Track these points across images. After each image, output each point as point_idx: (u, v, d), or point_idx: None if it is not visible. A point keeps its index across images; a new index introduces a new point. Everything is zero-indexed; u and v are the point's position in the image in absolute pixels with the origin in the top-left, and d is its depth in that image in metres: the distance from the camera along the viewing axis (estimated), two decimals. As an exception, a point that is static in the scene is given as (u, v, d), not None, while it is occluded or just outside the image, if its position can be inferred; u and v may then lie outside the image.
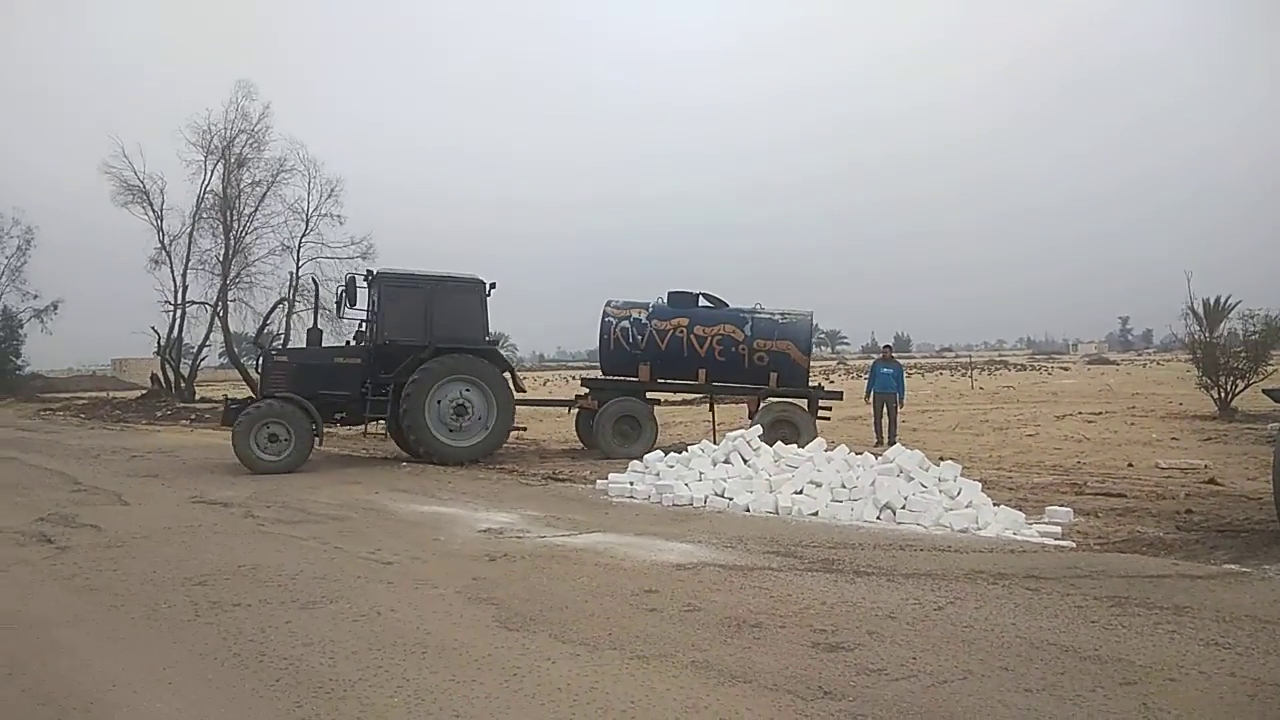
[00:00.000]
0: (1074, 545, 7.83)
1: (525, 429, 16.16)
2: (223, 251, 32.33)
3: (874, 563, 6.99)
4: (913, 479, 9.42)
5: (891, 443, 14.82)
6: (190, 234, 32.69)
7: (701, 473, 10.55)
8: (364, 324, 15.26)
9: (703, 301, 16.06)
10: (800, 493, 9.62)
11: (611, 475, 11.30)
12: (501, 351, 15.62)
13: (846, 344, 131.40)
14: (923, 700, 4.08)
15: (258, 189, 32.79)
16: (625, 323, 15.86)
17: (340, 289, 15.52)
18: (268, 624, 5.35)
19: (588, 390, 16.18)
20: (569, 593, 6.10)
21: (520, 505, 10.12)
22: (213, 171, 32.43)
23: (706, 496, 9.95)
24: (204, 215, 32.68)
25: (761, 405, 15.29)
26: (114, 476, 13.02)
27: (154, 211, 33.01)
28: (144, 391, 35.45)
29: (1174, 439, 16.80)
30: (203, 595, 6.05)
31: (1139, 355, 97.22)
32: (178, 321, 33.39)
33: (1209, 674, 4.40)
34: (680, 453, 11.42)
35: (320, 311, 17.92)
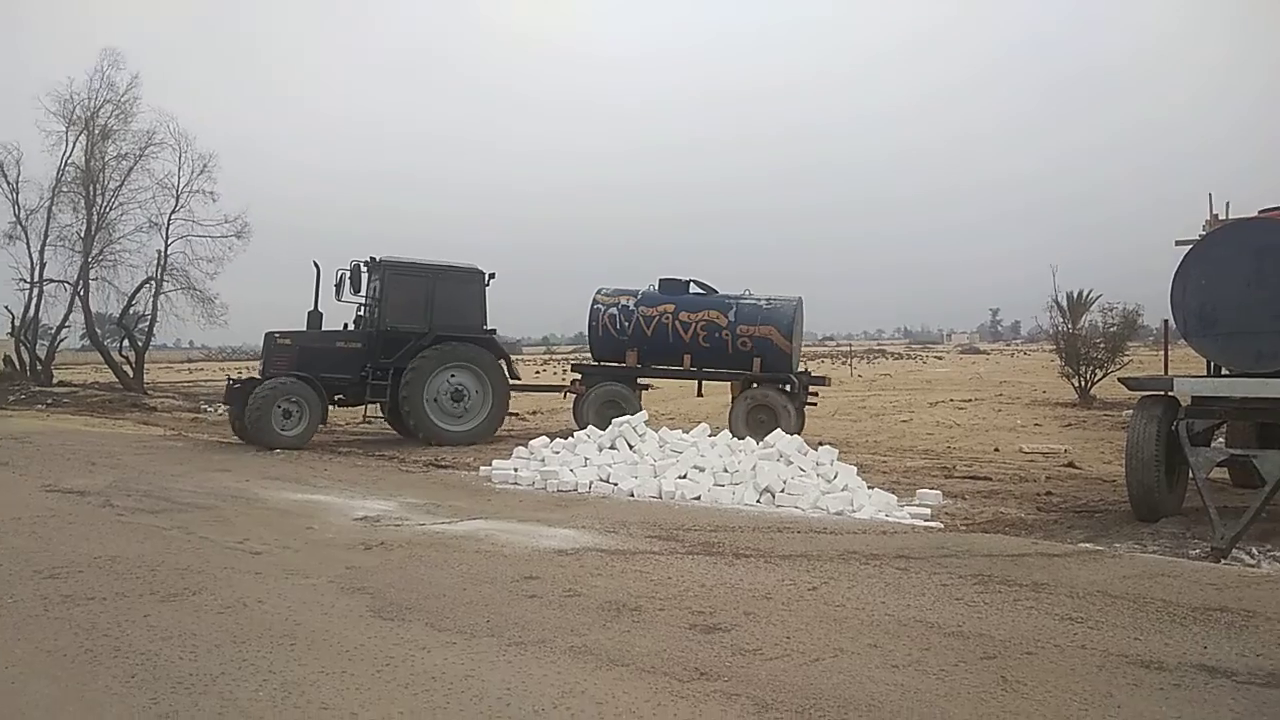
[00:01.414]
0: (942, 526, 8.15)
1: (516, 414, 16.68)
2: (84, 227, 30.43)
3: (753, 545, 7.10)
4: (792, 463, 9.65)
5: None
6: (49, 208, 30.65)
7: (587, 458, 10.53)
8: (361, 308, 15.64)
9: (693, 289, 16.19)
10: (684, 477, 9.71)
11: (495, 462, 11.17)
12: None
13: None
14: (795, 678, 4.16)
15: (124, 163, 30.93)
16: (613, 310, 16.06)
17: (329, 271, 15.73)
18: (124, 618, 5.07)
19: (579, 376, 16.47)
20: (447, 581, 5.99)
21: (399, 493, 9.90)
22: (74, 143, 30.51)
23: (591, 482, 9.94)
24: (64, 189, 30.66)
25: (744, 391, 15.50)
26: (-42, 465, 12.15)
27: (8, 184, 30.86)
28: (-4, 375, 33.22)
29: (1037, 425, 17.70)
30: (53, 589, 5.68)
31: (1008, 345, 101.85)
32: (34, 300, 31.36)
33: (1063, 647, 4.62)
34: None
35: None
